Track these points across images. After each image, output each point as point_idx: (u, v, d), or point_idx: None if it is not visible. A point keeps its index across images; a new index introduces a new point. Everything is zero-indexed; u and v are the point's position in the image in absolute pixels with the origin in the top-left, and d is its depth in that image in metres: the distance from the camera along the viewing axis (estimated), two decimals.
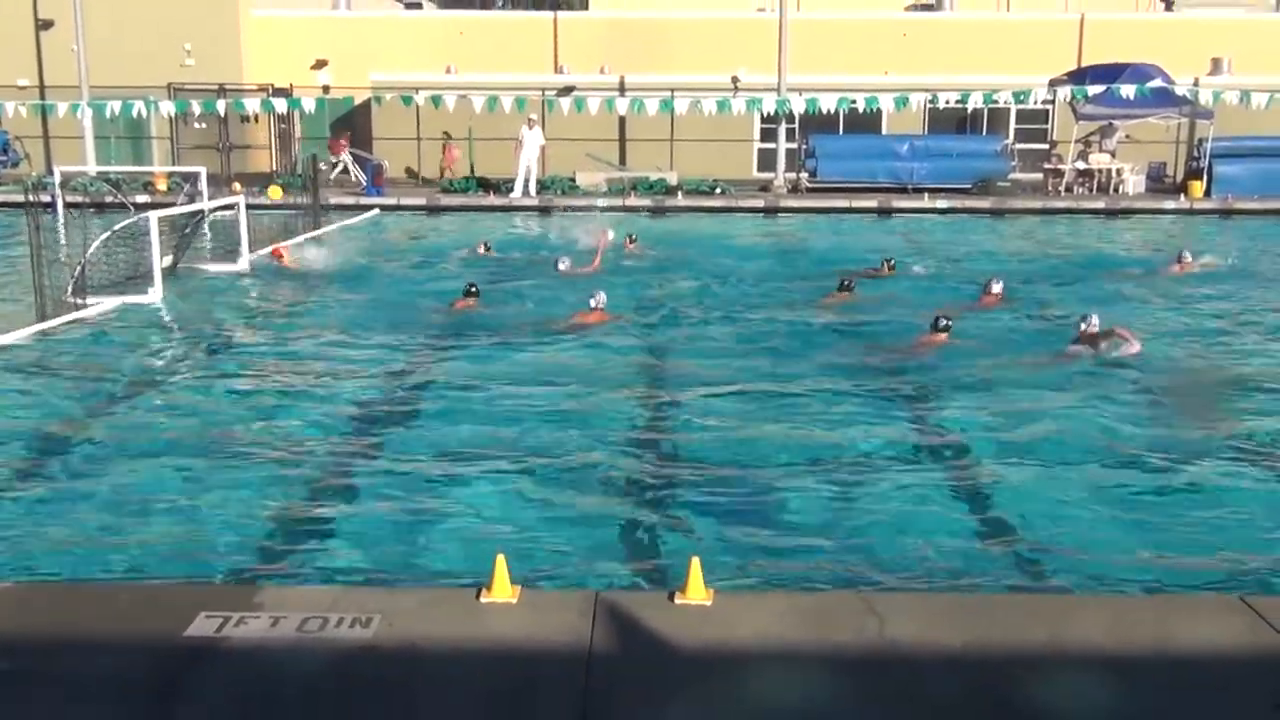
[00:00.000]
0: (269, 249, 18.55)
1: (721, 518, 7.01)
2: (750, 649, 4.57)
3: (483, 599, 4.94)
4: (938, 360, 11.39)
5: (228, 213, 18.50)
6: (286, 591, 5.29)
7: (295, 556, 6.44)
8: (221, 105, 29.76)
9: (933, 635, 4.65)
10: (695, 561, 5.02)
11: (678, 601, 4.93)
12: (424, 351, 11.86)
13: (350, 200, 27.16)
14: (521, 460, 8.00)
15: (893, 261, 17.07)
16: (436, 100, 28.95)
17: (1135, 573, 6.25)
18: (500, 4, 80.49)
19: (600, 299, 13.26)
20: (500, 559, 4.98)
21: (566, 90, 31.28)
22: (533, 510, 7.05)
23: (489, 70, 32.40)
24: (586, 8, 43.69)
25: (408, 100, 29.04)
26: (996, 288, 14.68)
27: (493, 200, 27.85)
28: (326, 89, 33.46)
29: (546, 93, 30.93)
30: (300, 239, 20.54)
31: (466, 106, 28.88)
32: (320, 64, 34.89)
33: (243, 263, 17.60)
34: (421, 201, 27.81)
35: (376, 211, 26.55)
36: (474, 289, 14.49)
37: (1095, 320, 11.84)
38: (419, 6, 46.10)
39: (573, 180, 29.29)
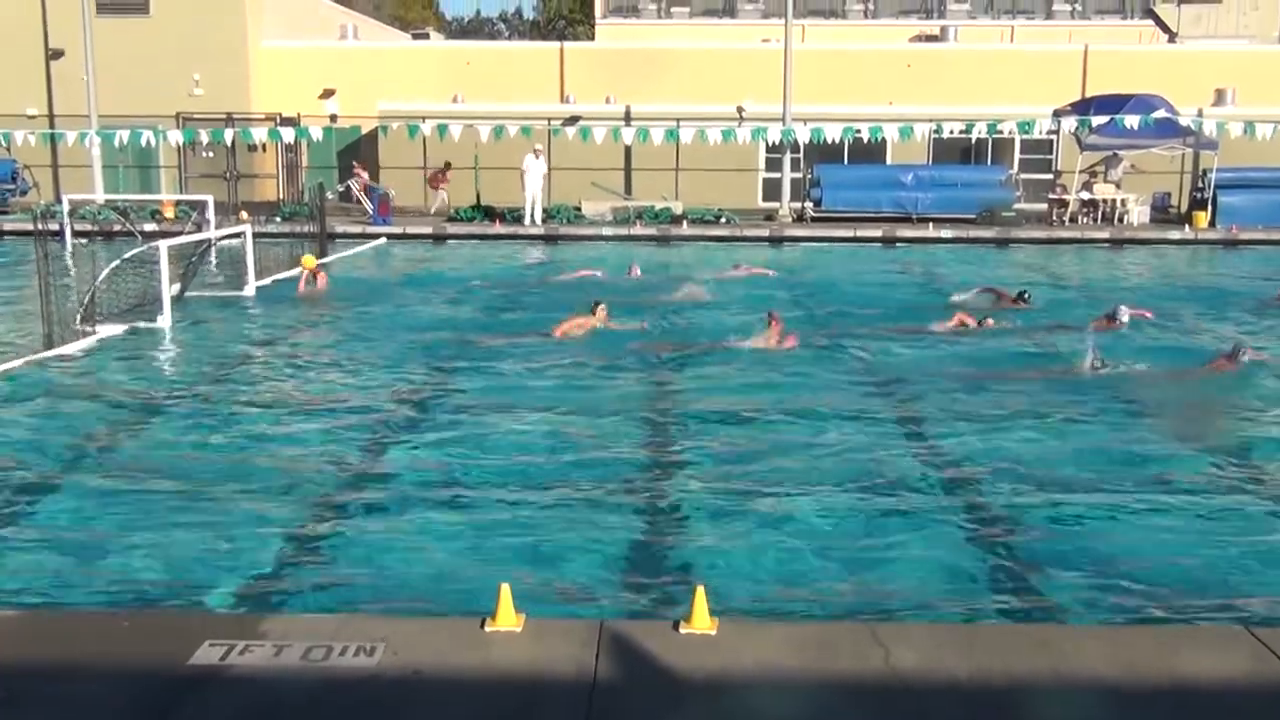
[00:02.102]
0: (299, 270, 18.60)
1: (727, 546, 7.00)
2: (754, 678, 4.56)
3: (487, 628, 4.94)
4: (938, 384, 11.41)
5: (235, 241, 18.58)
6: (291, 620, 5.29)
7: (300, 585, 6.44)
8: (229, 134, 29.94)
9: (937, 665, 4.64)
10: (700, 590, 5.03)
11: (682, 631, 4.93)
12: (430, 378, 11.89)
13: (357, 229, 27.29)
14: (528, 488, 8.02)
15: (1027, 294, 16.93)
16: (442, 130, 29.10)
17: (1140, 602, 6.24)
18: (507, 35, 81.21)
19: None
20: (504, 588, 4.98)
21: (572, 120, 31.44)
22: (538, 539, 7.04)
23: (495, 100, 32.60)
24: (593, 38, 44.04)
25: (413, 130, 29.18)
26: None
27: (499, 229, 27.95)
28: (334, 118, 33.66)
29: (552, 122, 31.11)
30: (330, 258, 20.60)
31: (472, 135, 29.02)
32: (328, 93, 35.13)
33: (249, 289, 17.66)
34: (428, 230, 27.92)
35: (383, 240, 26.67)
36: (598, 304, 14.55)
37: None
38: (426, 37, 46.52)
39: (578, 209, 29.39)
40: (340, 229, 26.56)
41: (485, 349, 13.43)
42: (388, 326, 15.05)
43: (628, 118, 31.88)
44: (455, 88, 34.31)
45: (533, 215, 28.18)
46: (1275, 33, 42.83)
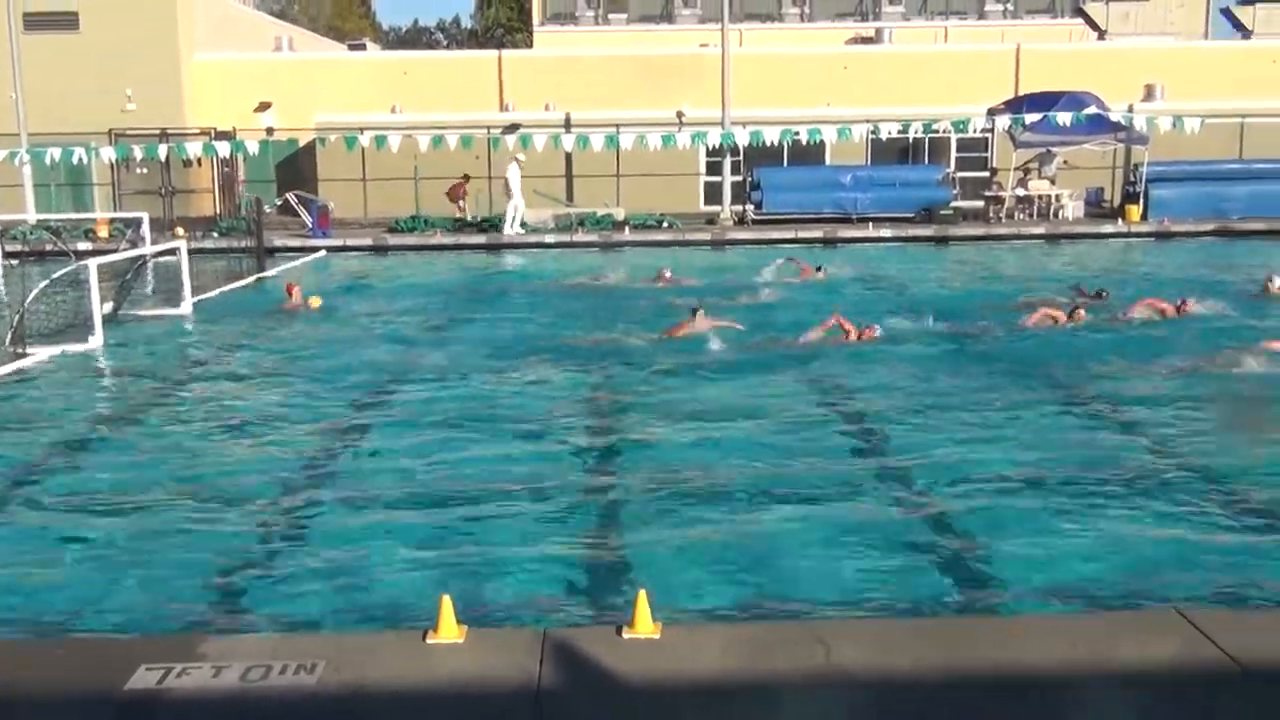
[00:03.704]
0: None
1: (671, 550, 7.01)
2: (699, 681, 4.57)
3: (429, 640, 4.90)
4: (887, 383, 11.52)
5: (170, 258, 18.34)
6: (229, 641, 5.22)
7: (238, 605, 6.36)
8: (163, 150, 29.52)
9: (880, 660, 4.68)
10: (643, 595, 5.03)
11: (626, 636, 4.93)
12: (365, 393, 11.78)
13: (296, 242, 27.04)
14: (467, 498, 7.98)
15: (1105, 291, 17.04)
16: (381, 140, 28.93)
17: (1077, 589, 6.34)
18: (445, 44, 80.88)
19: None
20: (446, 599, 4.96)
21: (512, 128, 31.37)
22: (479, 549, 7.01)
23: (434, 110, 32.45)
24: (531, 46, 43.98)
25: (351, 142, 29.01)
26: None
27: (440, 239, 27.82)
28: (270, 131, 33.31)
29: (492, 131, 31.01)
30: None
31: (411, 146, 28.87)
32: (264, 106, 34.78)
33: (186, 307, 17.43)
34: (368, 242, 27.72)
35: (323, 253, 26.44)
36: (697, 308, 14.83)
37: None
38: (363, 47, 46.21)
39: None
40: (279, 243, 26.29)
41: (429, 364, 13.38)
42: (329, 341, 14.92)
43: (568, 125, 31.86)
44: (393, 98, 34.12)
45: (514, 223, 28.12)
46: (1200, 29, 43.77)
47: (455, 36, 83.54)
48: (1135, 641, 4.86)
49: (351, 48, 46.22)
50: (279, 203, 30.43)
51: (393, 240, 27.86)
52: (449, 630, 4.92)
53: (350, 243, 27.56)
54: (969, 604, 6.24)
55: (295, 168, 33.67)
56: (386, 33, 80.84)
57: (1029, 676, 4.56)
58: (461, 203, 30.46)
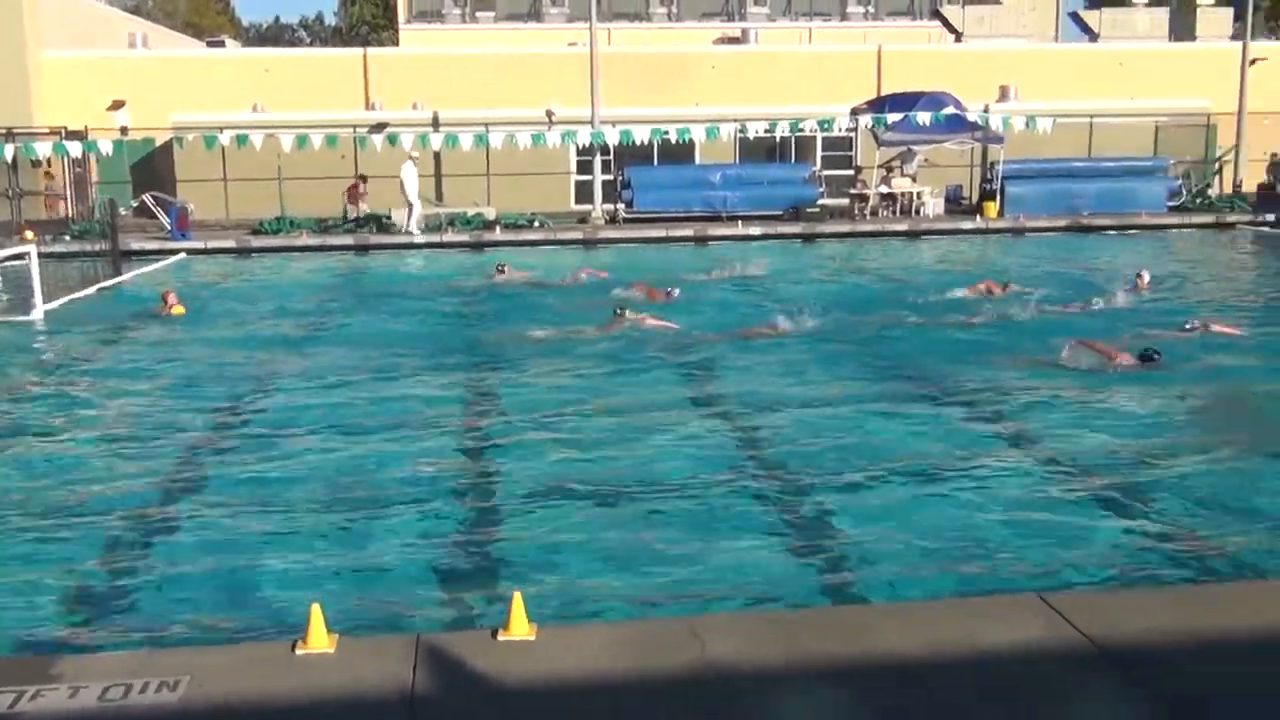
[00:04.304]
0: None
1: (546, 550, 6.99)
2: (575, 682, 4.56)
3: (298, 651, 4.79)
4: (751, 373, 11.67)
5: (19, 262, 17.57)
6: (86, 660, 5.02)
7: (96, 623, 6.12)
8: (10, 150, 28.22)
9: (752, 653, 4.73)
10: (517, 597, 4.99)
11: (500, 639, 4.89)
12: (229, 399, 11.46)
13: (154, 245, 26.15)
14: (337, 504, 7.83)
15: (1006, 283, 17.67)
16: (242, 140, 28.18)
17: (944, 577, 6.52)
18: (308, 41, 79.23)
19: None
20: (315, 608, 4.85)
21: (379, 127, 30.88)
22: (349, 556, 6.89)
23: (298, 109, 31.74)
24: (397, 44, 43.34)
25: (210, 141, 28.19)
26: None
27: (306, 240, 27.24)
28: (125, 130, 32.15)
29: (358, 130, 30.47)
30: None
31: (274, 145, 28.20)
32: (117, 104, 33.56)
33: (37, 313, 16.71)
34: (231, 244, 26.98)
35: (183, 256, 25.63)
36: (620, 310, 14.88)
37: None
38: (222, 44, 44.93)
39: (388, 217, 28.89)
40: (136, 246, 25.39)
41: (294, 369, 13.08)
42: (191, 346, 14.48)
43: (436, 124, 31.51)
44: (254, 96, 33.25)
45: (411, 223, 27.66)
46: (1051, 32, 45.44)
47: (319, 34, 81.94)
48: (999, 626, 5.01)
49: (210, 44, 44.92)
50: (135, 204, 29.37)
51: (256, 242, 27.15)
52: (319, 640, 4.81)
53: (212, 245, 26.76)
54: (839, 594, 6.37)
55: (152, 168, 32.54)
56: (247, 29, 78.86)
57: (898, 663, 4.67)
58: (361, 203, 29.84)
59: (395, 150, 28.63)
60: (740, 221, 28.76)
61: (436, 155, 30.55)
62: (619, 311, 14.91)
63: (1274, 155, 32.43)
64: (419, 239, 27.31)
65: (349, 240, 27.36)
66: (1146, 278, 17.80)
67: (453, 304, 18.16)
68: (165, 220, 27.71)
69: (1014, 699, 4.41)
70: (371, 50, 38.94)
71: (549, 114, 31.90)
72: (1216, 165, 33.57)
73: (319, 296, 19.45)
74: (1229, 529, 7.37)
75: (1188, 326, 13.81)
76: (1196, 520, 7.55)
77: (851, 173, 32.95)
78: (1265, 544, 7.10)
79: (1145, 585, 6.39)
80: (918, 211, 30.15)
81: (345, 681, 4.56)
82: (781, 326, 14.59)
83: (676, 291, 17.38)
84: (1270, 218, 28.92)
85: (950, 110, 29.62)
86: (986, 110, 31.75)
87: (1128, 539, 7.24)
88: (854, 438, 9.52)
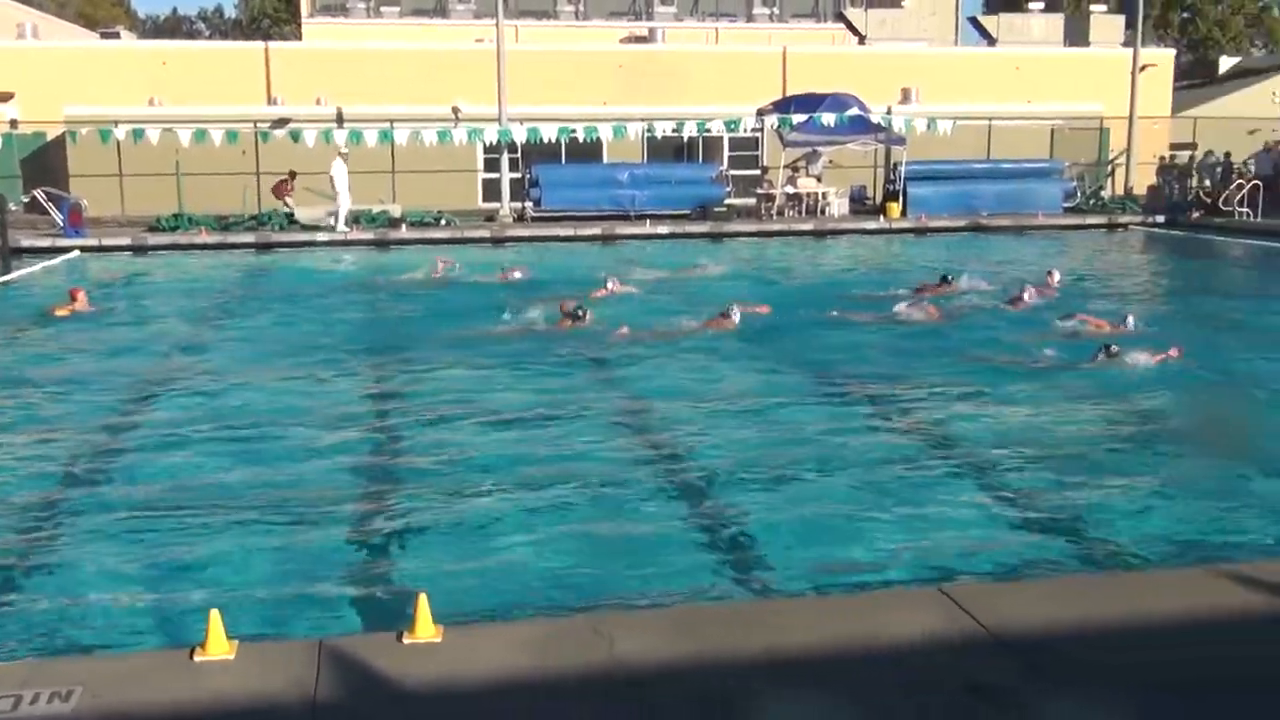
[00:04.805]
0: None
1: (453, 551, 6.94)
2: (481, 683, 4.53)
3: (197, 658, 4.69)
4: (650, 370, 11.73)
5: None
6: None
7: None
8: None
9: (658, 650, 4.76)
10: (423, 598, 4.95)
11: (406, 641, 4.84)
12: (124, 402, 11.17)
13: (46, 242, 25.35)
14: (237, 508, 7.67)
15: (950, 277, 17.91)
16: (138, 134, 27.47)
17: (844, 569, 6.62)
18: (207, 34, 77.52)
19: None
20: (214, 614, 4.75)
21: (281, 122, 30.34)
22: (250, 560, 6.76)
23: (196, 103, 31.04)
24: (300, 38, 42.62)
25: (105, 135, 27.43)
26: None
27: (206, 238, 26.65)
28: (14, 124, 31.12)
29: (260, 125, 29.91)
30: None
31: (172, 140, 27.53)
32: (6, 97, 32.42)
33: None
34: (127, 241, 26.27)
35: (76, 254, 24.88)
36: (580, 310, 14.69)
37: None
38: (117, 36, 43.72)
39: (291, 214, 28.41)
40: (26, 243, 24.59)
41: (193, 370, 12.80)
42: (84, 347, 14.07)
43: (340, 120, 31.07)
44: (151, 90, 32.42)
45: (340, 220, 27.20)
46: (952, 36, 46.36)
47: (218, 26, 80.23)
48: (901, 618, 5.10)
49: (104, 36, 43.67)
50: (26, 200, 28.43)
51: (154, 240, 26.46)
52: (218, 646, 4.72)
53: (107, 242, 26.01)
54: (746, 589, 6.43)
55: (43, 163, 31.56)
56: (143, 21, 76.94)
57: (805, 656, 4.73)
58: (288, 199, 29.23)
59: (298, 146, 28.18)
60: (648, 220, 28.84)
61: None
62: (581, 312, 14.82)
63: (1163, 159, 33.52)
64: (322, 237, 26.90)
65: (250, 238, 26.83)
66: (1057, 276, 18.29)
67: (363, 301, 17.95)
68: (57, 217, 26.88)
69: (916, 689, 4.50)
70: (273, 44, 38.24)
71: (455, 111, 31.66)
72: (1109, 168, 34.58)
73: (219, 295, 19.06)
74: (1120, 521, 7.61)
75: (1064, 322, 14.31)
76: (1089, 513, 7.77)
77: (758, 173, 33.26)
78: (1153, 534, 7.34)
79: (1039, 576, 6.57)
80: (823, 212, 30.53)
81: (246, 688, 4.47)
82: (734, 318, 14.81)
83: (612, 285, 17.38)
84: (1160, 219, 29.91)
85: (854, 112, 30.09)
86: (889, 112, 32.33)
87: (1023, 531, 7.43)
88: (761, 434, 9.62)
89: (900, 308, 14.93)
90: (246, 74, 34.22)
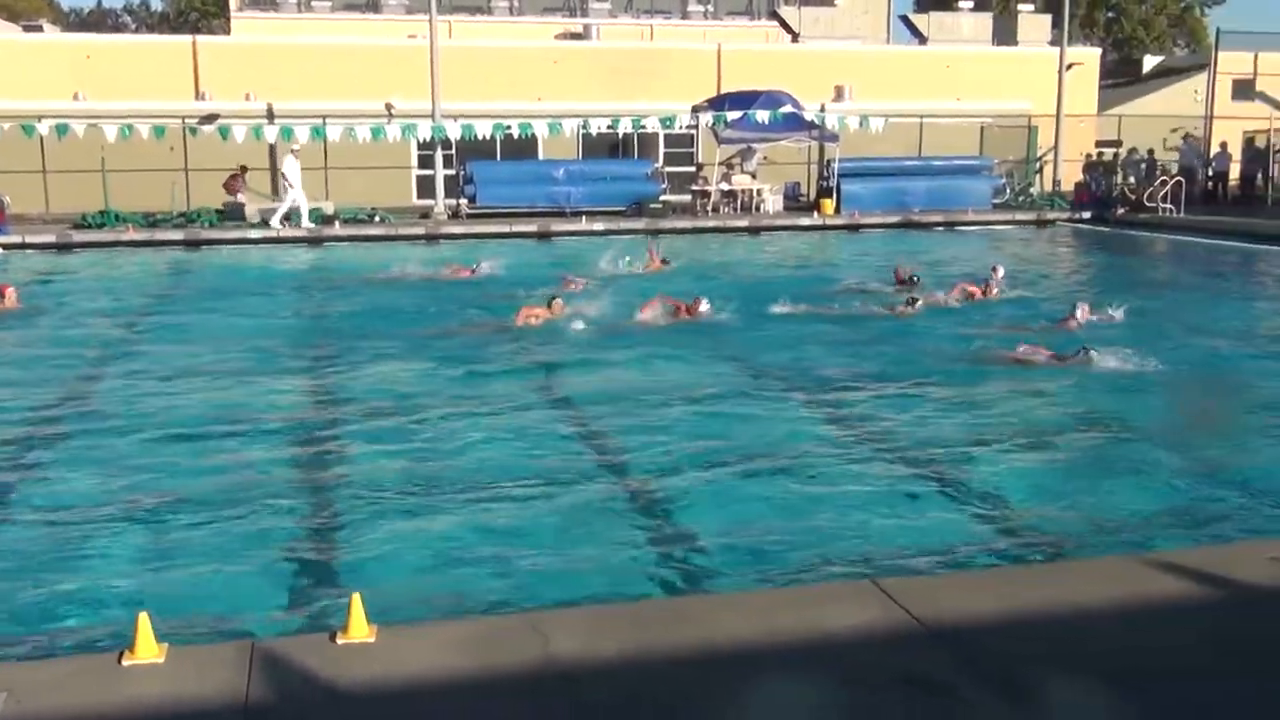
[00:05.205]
0: None
1: (388, 549, 6.89)
2: (415, 683, 4.50)
3: (125, 662, 4.61)
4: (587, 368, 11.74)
5: None
6: None
7: None
8: None
9: (594, 647, 4.76)
10: (356, 598, 4.91)
11: (339, 642, 4.80)
12: (49, 400, 10.95)
13: None
14: (166, 508, 7.56)
15: (914, 275, 17.94)
16: (62, 130, 26.89)
17: (779, 563, 6.68)
18: (134, 27, 76.04)
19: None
20: (143, 617, 4.67)
21: (210, 118, 29.86)
22: (180, 561, 6.66)
23: (123, 98, 30.43)
24: (229, 32, 41.98)
25: (29, 130, 26.81)
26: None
27: (133, 235, 26.16)
28: None
29: (187, 121, 29.41)
30: None
31: (98, 136, 26.97)
32: None
33: None
34: (51, 239, 25.71)
35: (0, 251, 24.31)
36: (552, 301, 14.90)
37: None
38: (39, 29, 42.73)
39: (220, 211, 27.99)
40: None
41: (120, 370, 12.57)
42: (7, 346, 13.77)
43: (270, 116, 30.66)
44: (76, 84, 31.74)
45: (304, 218, 26.89)
46: (884, 34, 46.82)
47: (145, 20, 78.71)
48: (835, 611, 5.15)
49: (26, 29, 42.66)
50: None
51: (79, 237, 25.94)
52: (147, 650, 4.64)
53: (30, 240, 25.46)
54: (682, 585, 6.46)
55: None
56: (67, 14, 75.23)
57: (741, 651, 4.76)
58: (240, 195, 28.71)
59: (227, 144, 27.75)
60: (584, 217, 28.82)
61: (271, 148, 29.68)
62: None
63: (1089, 156, 34.16)
64: (253, 234, 26.54)
65: (178, 235, 26.39)
66: (1000, 272, 18.57)
67: (297, 299, 17.74)
68: None
69: (851, 681, 4.55)
70: (201, 38, 37.61)
71: (389, 107, 31.38)
72: (1038, 165, 35.18)
73: (146, 293, 18.75)
74: (1047, 513, 7.76)
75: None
76: (1021, 505, 7.91)
77: (693, 169, 33.37)
78: (1078, 526, 7.49)
79: (970, 568, 6.67)
80: (758, 208, 30.71)
81: (176, 692, 4.41)
82: (702, 309, 14.93)
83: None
84: (1087, 215, 30.50)
85: (788, 109, 30.31)
86: (823, 109, 32.61)
87: (955, 524, 7.54)
88: (698, 429, 9.66)
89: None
90: (174, 68, 33.60)
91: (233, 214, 28.03)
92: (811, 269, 21.99)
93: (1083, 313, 14.54)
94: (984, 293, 16.75)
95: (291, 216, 27.05)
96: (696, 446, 9.11)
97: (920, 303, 15.66)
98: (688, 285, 17.09)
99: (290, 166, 26.98)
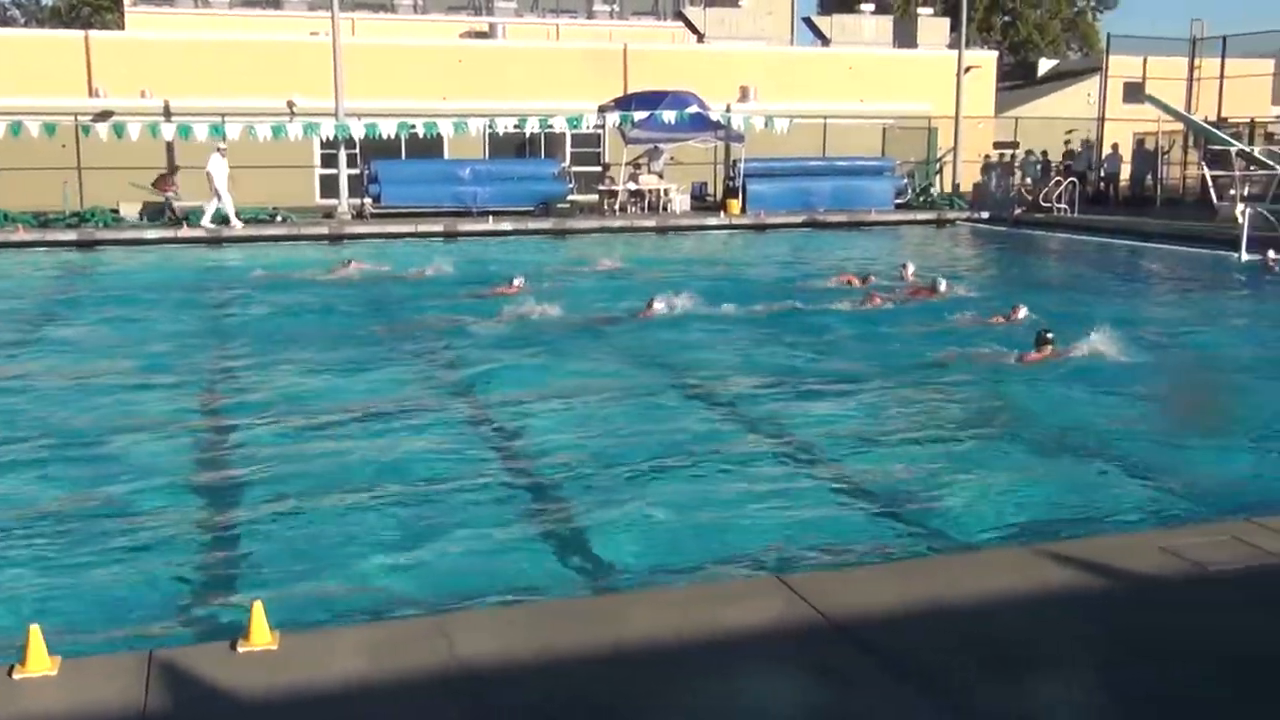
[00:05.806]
0: None
1: (290, 554, 6.77)
2: (319, 690, 4.43)
3: (16, 675, 4.47)
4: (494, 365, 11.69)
5: None
6: None
7: None
8: None
9: (502, 648, 4.74)
10: (258, 605, 4.82)
11: (240, 650, 4.70)
12: None
13: None
14: (56, 515, 7.34)
15: (866, 276, 18.25)
16: None
17: (683, 561, 6.72)
18: (22, 21, 73.65)
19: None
20: (34, 628, 4.53)
21: (104, 115, 29.06)
22: (72, 572, 6.47)
23: (11, 94, 29.44)
24: (123, 28, 40.87)
25: None
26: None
27: (23, 235, 25.37)
28: None
29: (80, 118, 28.58)
30: None
31: None
32: None
33: None
34: None
35: None
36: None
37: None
38: None
39: (115, 211, 27.27)
40: None
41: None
42: None
43: (167, 113, 29.94)
44: None
45: (233, 217, 26.36)
46: (788, 35, 47.34)
47: (34, 14, 76.21)
48: (741, 607, 5.19)
49: None
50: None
51: None
52: (39, 662, 4.50)
53: None
54: (590, 583, 6.46)
55: None
56: None
57: (649, 649, 4.77)
58: (170, 194, 27.86)
59: (121, 143, 27.04)
60: (491, 217, 28.66)
61: (169, 146, 28.99)
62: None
63: (987, 156, 34.94)
64: (150, 235, 25.91)
65: (72, 236, 25.66)
66: (911, 269, 18.88)
67: (193, 302, 17.35)
68: None
69: (756, 676, 4.59)
70: (94, 33, 36.57)
71: (290, 105, 30.85)
72: (937, 165, 35.88)
73: (37, 295, 18.18)
74: (949, 506, 7.92)
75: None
76: (925, 499, 8.06)
77: (600, 169, 33.39)
78: (979, 517, 7.66)
79: (873, 561, 6.78)
80: (665, 208, 30.84)
81: (69, 706, 4.28)
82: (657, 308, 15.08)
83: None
84: (985, 215, 31.22)
85: (694, 109, 30.50)
86: (728, 110, 32.87)
87: (857, 519, 7.66)
88: (605, 429, 9.67)
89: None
90: (66, 64, 32.58)
91: (155, 215, 27.36)
92: (733, 268, 22.14)
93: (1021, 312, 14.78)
94: (930, 292, 16.96)
95: (215, 216, 26.50)
96: (603, 446, 9.12)
97: (877, 300, 16.21)
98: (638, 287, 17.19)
99: (215, 166, 26.40)
